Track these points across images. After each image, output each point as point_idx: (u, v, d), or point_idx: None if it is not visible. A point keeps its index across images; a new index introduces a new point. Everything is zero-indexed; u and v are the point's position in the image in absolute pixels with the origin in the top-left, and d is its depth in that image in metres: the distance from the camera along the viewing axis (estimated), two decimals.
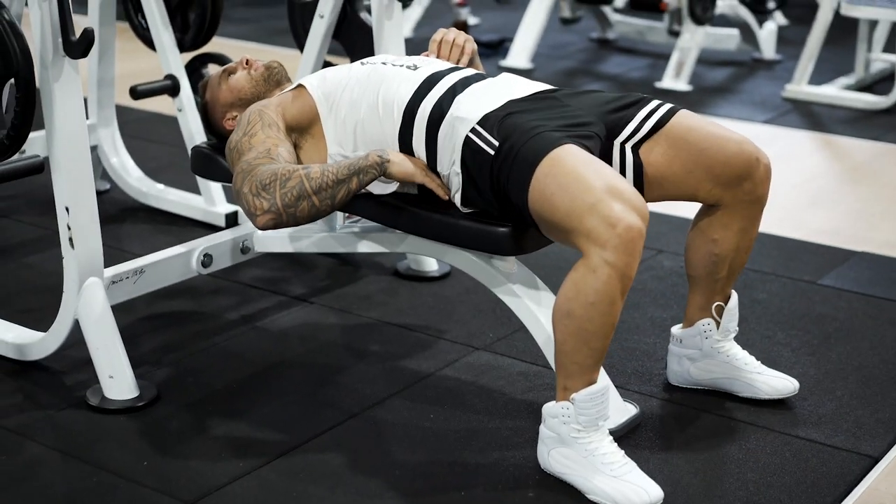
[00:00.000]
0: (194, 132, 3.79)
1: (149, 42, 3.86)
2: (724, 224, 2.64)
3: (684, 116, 2.60)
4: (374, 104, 2.63)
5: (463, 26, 6.62)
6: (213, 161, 2.95)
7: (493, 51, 6.49)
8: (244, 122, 2.66)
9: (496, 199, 2.47)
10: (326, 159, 2.68)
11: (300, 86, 2.73)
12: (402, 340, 3.09)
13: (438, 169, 2.55)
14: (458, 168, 2.50)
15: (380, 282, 3.45)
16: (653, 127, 2.56)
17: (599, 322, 2.30)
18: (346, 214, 2.87)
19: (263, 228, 2.49)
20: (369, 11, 3.46)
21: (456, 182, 2.52)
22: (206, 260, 3.01)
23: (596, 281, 2.27)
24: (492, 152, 2.44)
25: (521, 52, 6.20)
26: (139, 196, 4.00)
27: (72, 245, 2.69)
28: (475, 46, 2.92)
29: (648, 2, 6.10)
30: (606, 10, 6.69)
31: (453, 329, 3.15)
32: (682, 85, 5.82)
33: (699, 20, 5.77)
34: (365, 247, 2.87)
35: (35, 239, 3.73)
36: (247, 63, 2.88)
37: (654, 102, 2.62)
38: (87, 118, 3.96)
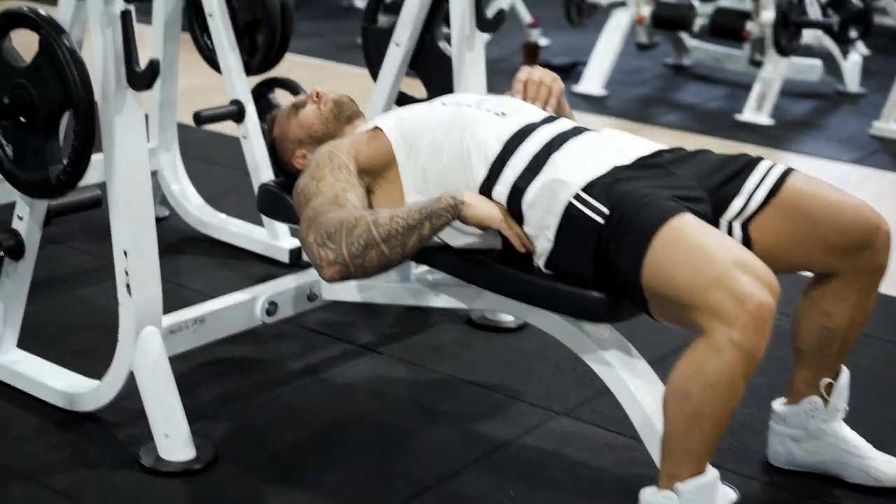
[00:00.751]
0: (259, 161, 3.59)
1: (214, 64, 3.66)
2: (840, 296, 2.40)
3: (795, 181, 2.36)
4: (459, 151, 2.42)
5: (534, 48, 6.39)
6: (282, 201, 2.75)
7: (565, 75, 6.25)
8: (313, 164, 2.47)
9: (596, 270, 2.25)
10: (403, 203, 2.47)
11: (376, 128, 2.52)
12: (476, 400, 2.86)
13: (524, 228, 2.33)
14: (551, 233, 2.29)
15: (452, 331, 3.23)
16: (763, 199, 2.34)
17: (718, 406, 2.08)
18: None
19: (331, 281, 2.29)
20: (449, 41, 3.25)
21: (543, 245, 2.32)
22: (271, 308, 2.81)
23: (719, 361, 2.04)
24: (600, 221, 2.22)
25: (594, 77, 5.96)
26: (199, 225, 3.80)
27: (129, 292, 2.49)
28: (563, 86, 2.69)
29: (729, 29, 5.85)
30: (683, 35, 6.43)
31: (532, 389, 2.92)
32: (764, 118, 5.56)
33: (784, 51, 5.50)
34: (440, 301, 2.66)
35: (89, 270, 3.54)
36: (317, 96, 2.68)
37: (763, 167, 2.39)
38: (148, 141, 3.79)
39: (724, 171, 2.39)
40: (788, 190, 2.35)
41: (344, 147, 2.50)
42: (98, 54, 2.38)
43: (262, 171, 3.58)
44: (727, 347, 2.04)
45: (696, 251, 2.11)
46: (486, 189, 2.38)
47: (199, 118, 3.56)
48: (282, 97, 3.74)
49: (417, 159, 2.46)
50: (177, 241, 3.79)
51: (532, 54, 6.39)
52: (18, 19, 2.44)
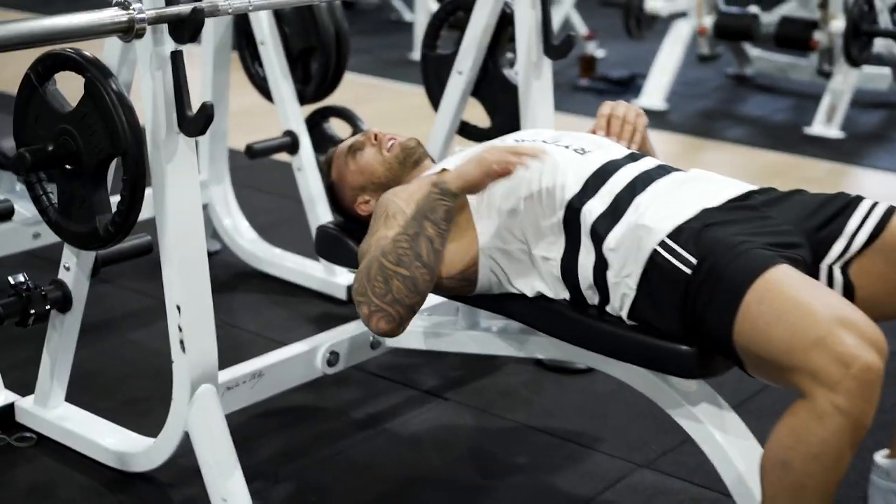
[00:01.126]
0: (314, 195, 3.44)
1: (266, 93, 3.52)
2: None
3: None
4: (535, 192, 2.25)
5: (590, 61, 6.21)
6: (341, 244, 2.61)
7: (623, 88, 6.07)
8: (373, 218, 2.38)
9: (684, 322, 2.07)
10: (477, 254, 2.31)
11: (443, 170, 2.36)
12: (551, 451, 2.69)
13: (609, 273, 2.16)
14: (633, 282, 2.12)
15: (521, 373, 3.06)
16: (865, 241, 2.15)
17: (822, 479, 1.89)
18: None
19: (384, 334, 2.19)
20: (513, 66, 3.08)
21: (625, 293, 2.15)
22: (332, 359, 2.65)
23: (822, 430, 1.86)
24: (688, 271, 2.05)
25: (655, 91, 5.77)
26: (252, 260, 3.66)
27: (183, 348, 2.33)
28: (647, 121, 2.52)
29: (796, 38, 5.63)
30: (746, 45, 6.22)
31: (609, 437, 2.74)
32: (834, 132, 5.34)
33: (855, 61, 5.28)
34: (510, 349, 2.52)
35: (140, 310, 3.40)
36: (375, 139, 2.52)
37: (865, 206, 2.21)
38: (199, 173, 3.65)
39: (822, 212, 2.21)
40: (893, 230, 2.17)
41: (405, 193, 2.35)
42: (147, 98, 2.24)
43: (317, 206, 3.43)
44: (831, 414, 1.86)
45: (795, 308, 1.94)
46: (568, 233, 2.23)
47: (252, 151, 3.42)
48: (337, 126, 3.59)
49: (491, 202, 2.31)
50: (229, 277, 3.65)
51: (588, 67, 6.21)
52: (63, 61, 2.29)
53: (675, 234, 2.11)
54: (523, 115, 3.02)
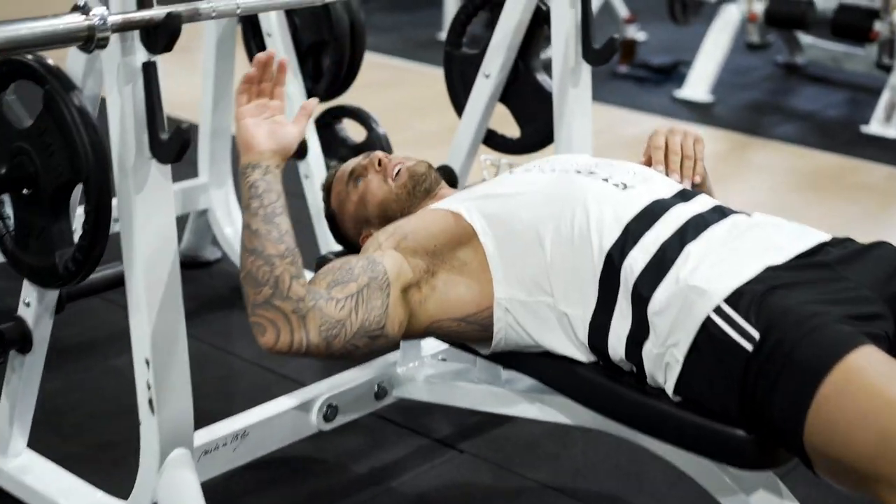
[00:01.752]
0: (321, 205, 3.07)
1: None
2: None
3: None
4: (566, 236, 1.92)
5: (631, 46, 5.81)
6: None
7: (665, 76, 5.67)
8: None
9: (741, 405, 1.74)
10: (491, 304, 1.96)
11: (455, 213, 2.03)
12: None
13: (647, 344, 1.81)
14: (681, 352, 1.78)
15: (546, 423, 2.69)
16: None
17: None
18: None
19: (270, 348, 1.86)
20: (548, 71, 2.71)
21: (670, 363, 1.82)
22: (330, 413, 2.31)
23: None
24: (748, 347, 1.70)
25: (700, 81, 5.38)
26: None
27: (152, 409, 2.00)
28: (703, 147, 2.16)
29: (855, 28, 5.21)
30: (799, 32, 5.81)
31: None
32: (894, 131, 4.94)
33: None
34: (536, 412, 2.18)
35: (126, 331, 3.05)
36: (379, 164, 2.17)
37: None
38: (198, 175, 3.32)
39: None
40: None
41: (392, 226, 2.04)
42: (114, 117, 1.89)
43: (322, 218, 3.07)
44: None
45: (883, 404, 1.59)
46: (605, 289, 1.89)
47: None
48: (350, 128, 3.23)
49: (512, 247, 1.96)
50: (228, 290, 3.31)
51: (628, 52, 5.81)
52: (18, 69, 1.96)
53: (734, 299, 1.76)
54: (557, 126, 2.65)
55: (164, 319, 1.98)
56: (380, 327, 1.91)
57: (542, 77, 2.74)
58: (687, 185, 2.11)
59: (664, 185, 2.02)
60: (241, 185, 1.91)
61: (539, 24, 2.69)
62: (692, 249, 1.85)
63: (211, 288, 3.37)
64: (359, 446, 2.56)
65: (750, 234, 1.89)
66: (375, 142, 3.14)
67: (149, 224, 1.93)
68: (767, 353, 1.69)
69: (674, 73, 5.71)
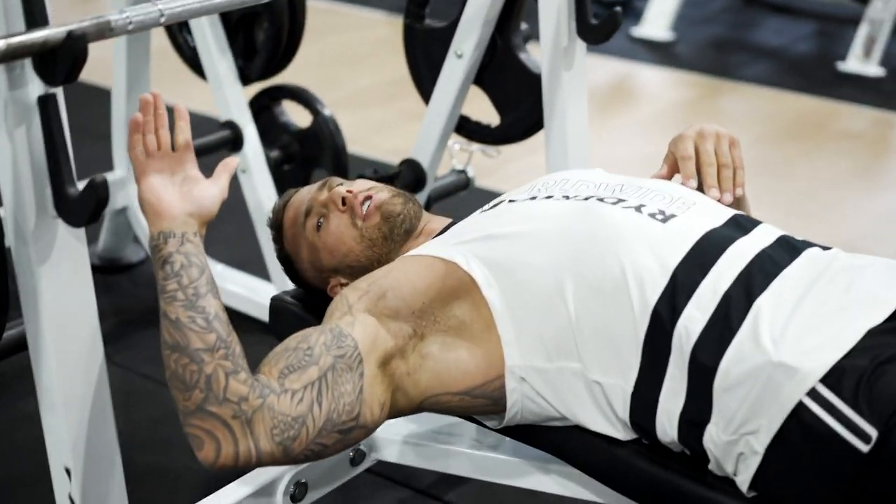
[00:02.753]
0: (263, 202, 2.64)
1: (198, 68, 2.69)
2: None
3: None
4: (594, 285, 1.50)
5: None
6: (303, 324, 1.82)
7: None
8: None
9: None
10: (502, 373, 1.55)
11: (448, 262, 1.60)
12: None
13: (711, 427, 1.41)
14: (761, 442, 1.41)
15: None
16: None
17: None
18: None
19: (211, 464, 1.43)
20: (527, 46, 2.28)
21: (743, 453, 1.43)
22: (298, 492, 1.88)
23: None
24: (862, 448, 1.32)
25: (658, 16, 4.94)
26: None
27: None
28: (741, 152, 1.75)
29: None
30: None
31: None
32: (873, 68, 4.56)
33: None
34: (560, 487, 1.77)
35: None
36: (343, 204, 1.73)
37: None
38: (113, 169, 2.84)
39: None
40: None
41: (366, 281, 1.60)
42: (5, 168, 1.43)
43: (267, 214, 2.62)
44: None
45: None
46: (652, 353, 1.48)
47: None
48: (291, 111, 2.78)
49: (525, 302, 1.55)
50: (152, 297, 2.82)
51: None
52: None
53: (833, 378, 1.37)
54: (548, 114, 2.23)
55: (87, 418, 1.54)
56: (352, 417, 1.48)
57: (524, 56, 2.31)
58: (727, 200, 1.70)
59: (711, 211, 1.61)
60: (153, 261, 1.48)
61: None
62: (763, 304, 1.45)
63: (136, 297, 2.91)
64: (328, 501, 2.14)
65: (835, 283, 1.49)
66: (322, 126, 2.69)
67: (59, 304, 1.48)
68: (890, 460, 1.30)
69: (627, 9, 5.25)
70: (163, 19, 1.48)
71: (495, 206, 1.73)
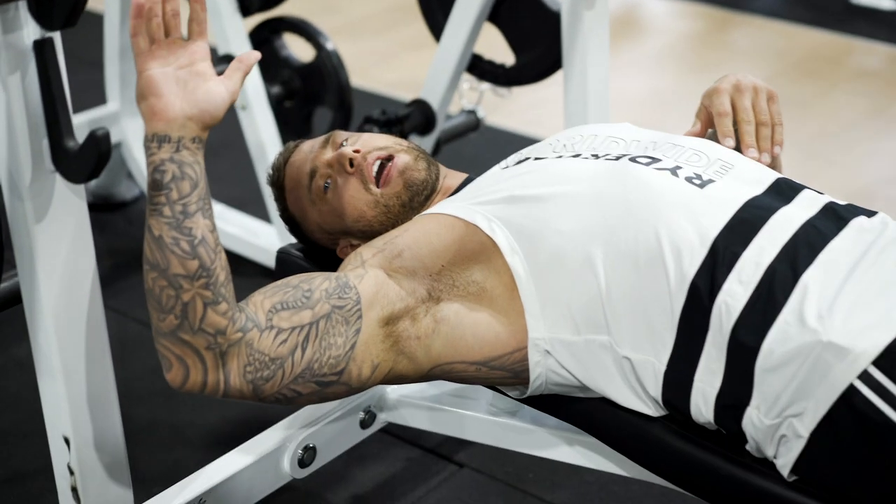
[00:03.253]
0: (264, 141, 2.52)
1: None
2: None
3: None
4: (626, 254, 1.41)
5: None
6: None
7: None
8: None
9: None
10: (524, 344, 1.46)
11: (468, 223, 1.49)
12: None
13: (751, 410, 1.33)
14: (806, 426, 1.32)
15: None
16: None
17: None
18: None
19: (179, 385, 1.35)
20: None
21: (786, 435, 1.34)
22: (307, 456, 1.79)
23: None
24: None
25: None
26: None
27: (76, 498, 1.48)
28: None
29: None
30: None
31: None
32: (887, 2, 4.43)
33: None
34: (585, 459, 1.69)
35: None
36: (351, 165, 1.61)
37: None
38: (106, 103, 2.72)
39: None
40: None
41: (390, 246, 1.50)
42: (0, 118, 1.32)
43: (269, 156, 2.52)
44: None
45: None
46: (688, 329, 1.39)
47: None
48: (292, 44, 2.65)
49: (551, 270, 1.45)
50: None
51: None
52: None
53: (887, 361, 1.28)
54: (568, 57, 2.12)
55: (88, 386, 1.44)
56: (335, 372, 1.40)
57: None
58: (766, 160, 1.59)
59: (752, 175, 1.50)
60: (146, 163, 1.34)
61: None
62: (810, 280, 1.35)
63: (130, 237, 2.81)
64: (336, 466, 2.06)
65: (886, 254, 1.39)
66: (325, 61, 2.57)
67: (57, 265, 1.38)
68: None
69: None
70: None
71: (519, 162, 1.62)
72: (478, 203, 1.51)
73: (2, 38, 1.28)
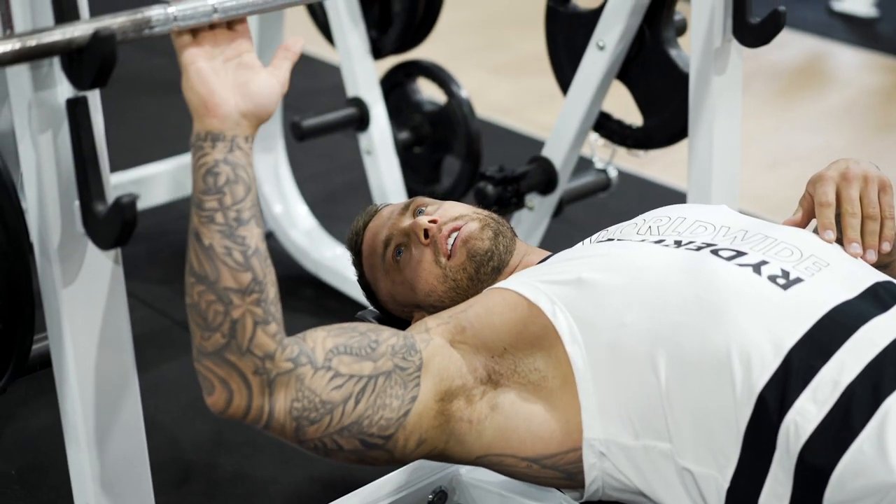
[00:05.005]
0: (387, 188, 2.45)
1: (329, 34, 2.51)
2: None
3: None
4: (692, 356, 1.28)
5: None
6: None
7: None
8: None
9: None
10: (579, 444, 1.34)
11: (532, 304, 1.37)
12: None
13: None
14: None
15: None
16: None
17: None
18: None
19: (220, 411, 1.27)
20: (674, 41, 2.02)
21: None
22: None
23: None
24: None
25: None
26: (305, 260, 2.68)
27: None
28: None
29: None
30: None
31: None
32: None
33: None
34: None
35: None
36: (426, 237, 1.51)
37: None
38: None
39: None
40: None
41: (455, 320, 1.41)
42: (30, 176, 1.27)
43: (392, 201, 2.43)
44: None
45: None
46: (754, 444, 1.26)
47: (300, 130, 2.42)
48: (426, 88, 2.57)
49: (611, 366, 1.34)
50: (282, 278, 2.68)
51: None
52: None
53: None
54: (693, 122, 1.97)
55: (114, 456, 1.38)
56: (383, 435, 1.31)
57: (675, 52, 2.04)
58: (870, 258, 1.42)
59: (846, 276, 1.34)
60: (192, 164, 1.26)
61: None
62: (893, 406, 1.19)
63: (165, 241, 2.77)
64: None
65: None
66: (456, 109, 2.47)
67: (88, 332, 1.32)
68: None
69: None
70: (216, 16, 1.27)
71: (602, 242, 1.50)
72: (546, 281, 1.40)
73: (34, 95, 1.22)
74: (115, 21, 1.20)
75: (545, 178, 2.17)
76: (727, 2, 1.85)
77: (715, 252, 1.36)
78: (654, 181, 3.17)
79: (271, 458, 2.14)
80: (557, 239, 2.09)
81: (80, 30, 1.18)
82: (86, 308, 1.31)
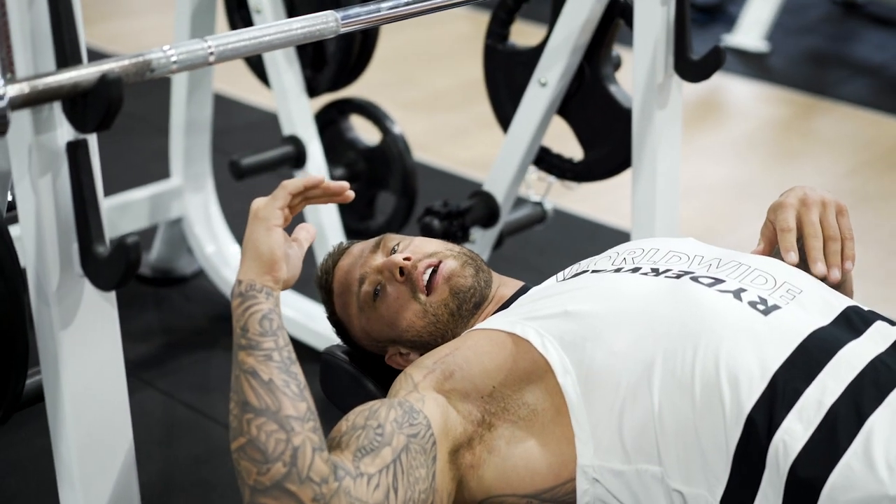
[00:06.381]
0: (325, 226, 2.46)
1: (262, 74, 2.53)
2: None
3: None
4: (682, 380, 1.34)
5: None
6: (357, 385, 1.67)
7: (708, 17, 4.99)
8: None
9: None
10: (573, 473, 1.38)
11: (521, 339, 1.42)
12: None
13: None
14: None
15: None
16: None
17: None
18: None
19: None
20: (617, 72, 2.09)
21: None
22: None
23: None
24: None
25: (753, 25, 4.68)
26: None
27: None
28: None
29: None
30: None
31: None
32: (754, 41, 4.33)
33: None
34: None
35: None
36: (401, 274, 1.55)
37: None
38: (170, 176, 2.69)
39: None
40: None
41: (433, 357, 1.46)
42: (28, 219, 1.27)
43: (328, 240, 2.46)
44: None
45: None
46: (743, 465, 1.30)
47: (238, 169, 2.44)
48: (359, 126, 2.60)
49: (603, 394, 1.38)
50: (207, 320, 2.69)
51: None
52: None
53: None
54: (637, 156, 2.04)
55: (107, 498, 1.38)
56: None
57: (614, 88, 2.11)
58: (834, 277, 1.50)
59: (818, 303, 1.41)
60: (238, 310, 1.32)
61: (612, 17, 2.06)
62: (876, 423, 1.26)
63: (186, 315, 2.75)
64: None
65: None
66: (391, 145, 2.51)
67: (83, 375, 1.32)
68: None
69: (718, 13, 5.02)
70: (212, 58, 1.30)
71: (576, 275, 1.55)
72: (531, 318, 1.44)
73: (34, 138, 1.23)
74: (118, 65, 1.22)
75: (488, 212, 2.22)
76: (669, 39, 1.93)
77: (695, 279, 1.42)
78: (588, 218, 3.23)
79: (227, 498, 2.14)
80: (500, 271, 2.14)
81: (84, 74, 1.19)
82: (82, 350, 1.31)
